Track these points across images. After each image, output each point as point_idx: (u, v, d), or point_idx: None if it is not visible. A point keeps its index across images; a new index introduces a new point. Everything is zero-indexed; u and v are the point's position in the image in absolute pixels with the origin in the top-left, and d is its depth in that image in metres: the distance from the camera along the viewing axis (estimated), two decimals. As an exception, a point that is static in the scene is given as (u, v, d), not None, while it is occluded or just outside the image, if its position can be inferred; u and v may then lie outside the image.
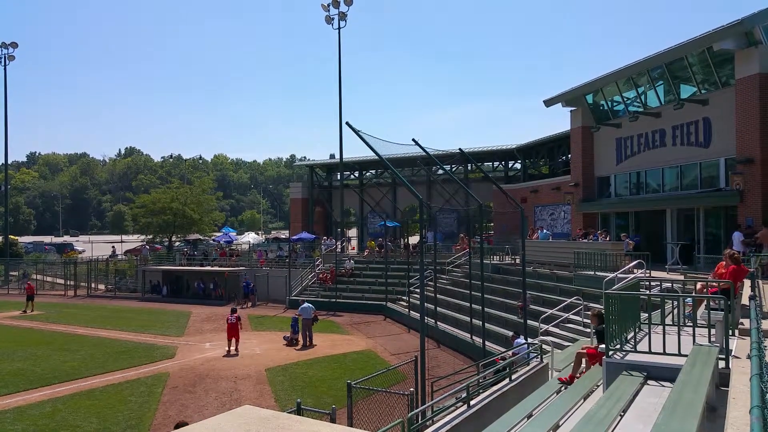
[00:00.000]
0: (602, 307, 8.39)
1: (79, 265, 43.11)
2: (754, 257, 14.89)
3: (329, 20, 40.22)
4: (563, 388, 8.85)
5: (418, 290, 23.41)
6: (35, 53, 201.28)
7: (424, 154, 22.15)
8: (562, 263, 22.32)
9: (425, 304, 16.24)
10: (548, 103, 29.88)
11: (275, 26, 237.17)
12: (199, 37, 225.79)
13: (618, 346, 7.14)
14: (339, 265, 34.13)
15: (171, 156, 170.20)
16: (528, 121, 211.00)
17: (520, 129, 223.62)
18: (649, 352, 7.02)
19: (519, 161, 42.42)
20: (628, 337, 7.40)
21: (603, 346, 7.78)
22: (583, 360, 9.26)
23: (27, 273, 45.24)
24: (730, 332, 7.47)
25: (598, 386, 7.84)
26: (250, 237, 60.70)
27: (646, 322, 8.11)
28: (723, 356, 6.73)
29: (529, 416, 7.35)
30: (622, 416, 5.54)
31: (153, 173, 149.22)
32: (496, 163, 44.62)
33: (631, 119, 25.65)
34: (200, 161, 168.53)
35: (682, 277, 15.64)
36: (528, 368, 11.80)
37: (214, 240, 49.82)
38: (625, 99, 26.52)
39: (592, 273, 18.97)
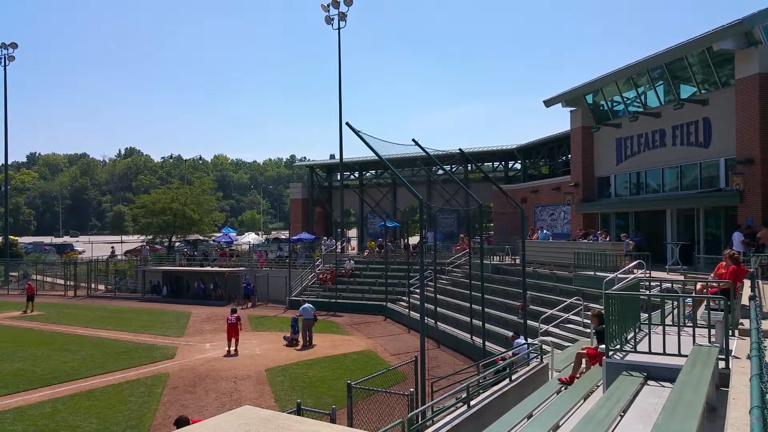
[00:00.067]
0: (602, 307, 8.39)
1: (79, 265, 43.11)
2: (754, 257, 14.88)
3: (329, 20, 40.25)
4: (563, 388, 8.84)
5: (418, 290, 23.41)
6: (35, 53, 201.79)
7: (424, 154, 22.12)
8: (562, 263, 22.30)
9: (425, 304, 16.23)
10: (548, 103, 29.88)
11: (275, 26, 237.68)
12: (199, 37, 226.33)
13: (618, 347, 7.14)
14: (339, 265, 34.16)
15: (171, 156, 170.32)
16: (528, 121, 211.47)
17: (520, 129, 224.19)
18: (649, 352, 7.02)
19: (519, 161, 42.36)
20: (628, 337, 7.40)
21: (603, 346, 7.78)
22: (583, 360, 9.26)
23: (27, 273, 45.26)
24: (730, 332, 7.47)
25: (598, 386, 7.84)
26: (250, 237, 60.53)
27: (646, 322, 8.11)
28: (723, 356, 6.74)
29: (529, 416, 7.35)
30: (622, 416, 5.53)
31: (153, 173, 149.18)
32: (496, 164, 44.57)
33: (631, 119, 25.64)
34: (200, 161, 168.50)
35: (682, 278, 15.66)
36: (528, 368, 11.80)
37: (214, 240, 49.84)
38: (625, 99, 26.51)
39: (592, 273, 18.97)
